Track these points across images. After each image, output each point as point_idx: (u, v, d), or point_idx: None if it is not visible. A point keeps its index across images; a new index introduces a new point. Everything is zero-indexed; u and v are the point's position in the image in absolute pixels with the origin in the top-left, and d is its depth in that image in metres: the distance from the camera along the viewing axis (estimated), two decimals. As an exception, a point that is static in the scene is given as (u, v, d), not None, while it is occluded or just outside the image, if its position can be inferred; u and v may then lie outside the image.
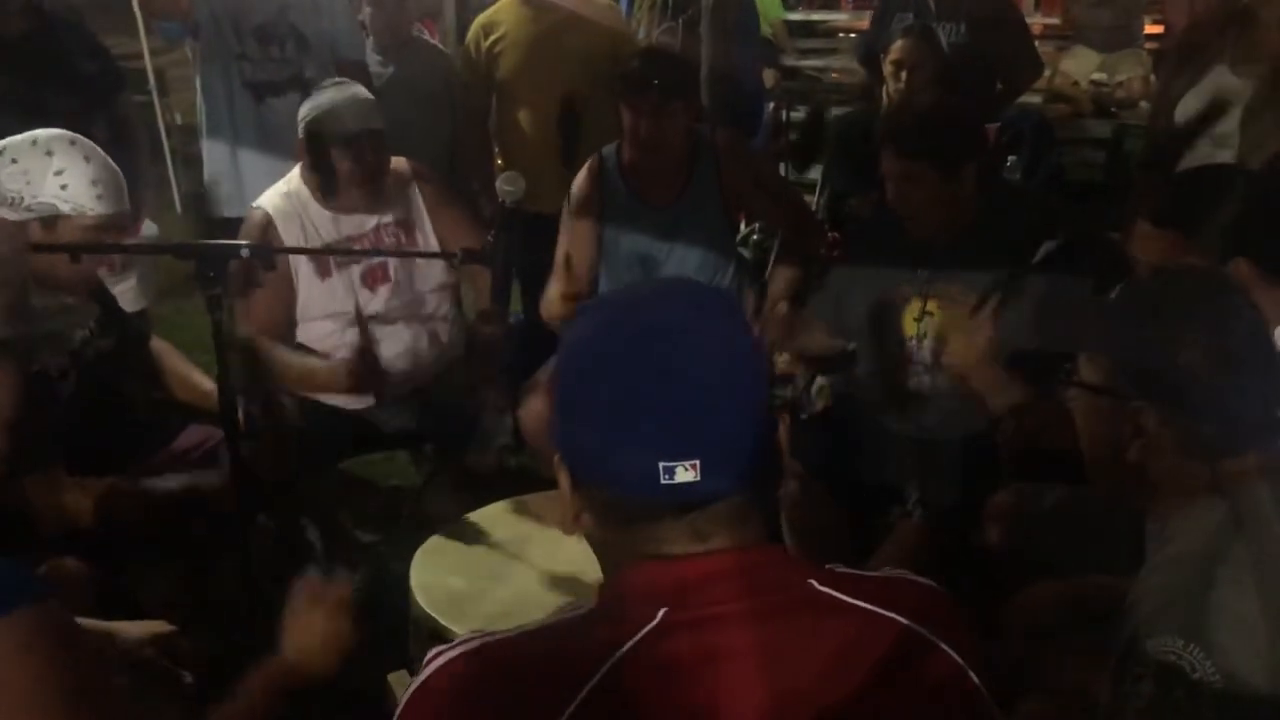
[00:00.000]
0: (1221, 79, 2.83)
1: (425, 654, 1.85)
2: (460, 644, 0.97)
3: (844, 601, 0.96)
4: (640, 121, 2.76)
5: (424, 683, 0.96)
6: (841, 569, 1.00)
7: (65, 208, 2.09)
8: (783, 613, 0.95)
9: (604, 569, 1.03)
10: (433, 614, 1.87)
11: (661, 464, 0.92)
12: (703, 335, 0.96)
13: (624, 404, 0.93)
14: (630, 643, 0.91)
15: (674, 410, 0.92)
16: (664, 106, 2.75)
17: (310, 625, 1.56)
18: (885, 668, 0.95)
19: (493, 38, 3.66)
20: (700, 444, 0.92)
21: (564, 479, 1.01)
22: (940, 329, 2.42)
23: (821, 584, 0.97)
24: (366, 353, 2.56)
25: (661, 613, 0.93)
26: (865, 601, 0.97)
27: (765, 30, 5.60)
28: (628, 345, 0.95)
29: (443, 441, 3.00)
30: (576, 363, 0.99)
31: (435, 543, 2.13)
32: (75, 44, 3.29)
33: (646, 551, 0.96)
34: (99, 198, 2.12)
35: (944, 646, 0.97)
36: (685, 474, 0.92)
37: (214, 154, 3.58)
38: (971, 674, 0.97)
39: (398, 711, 0.97)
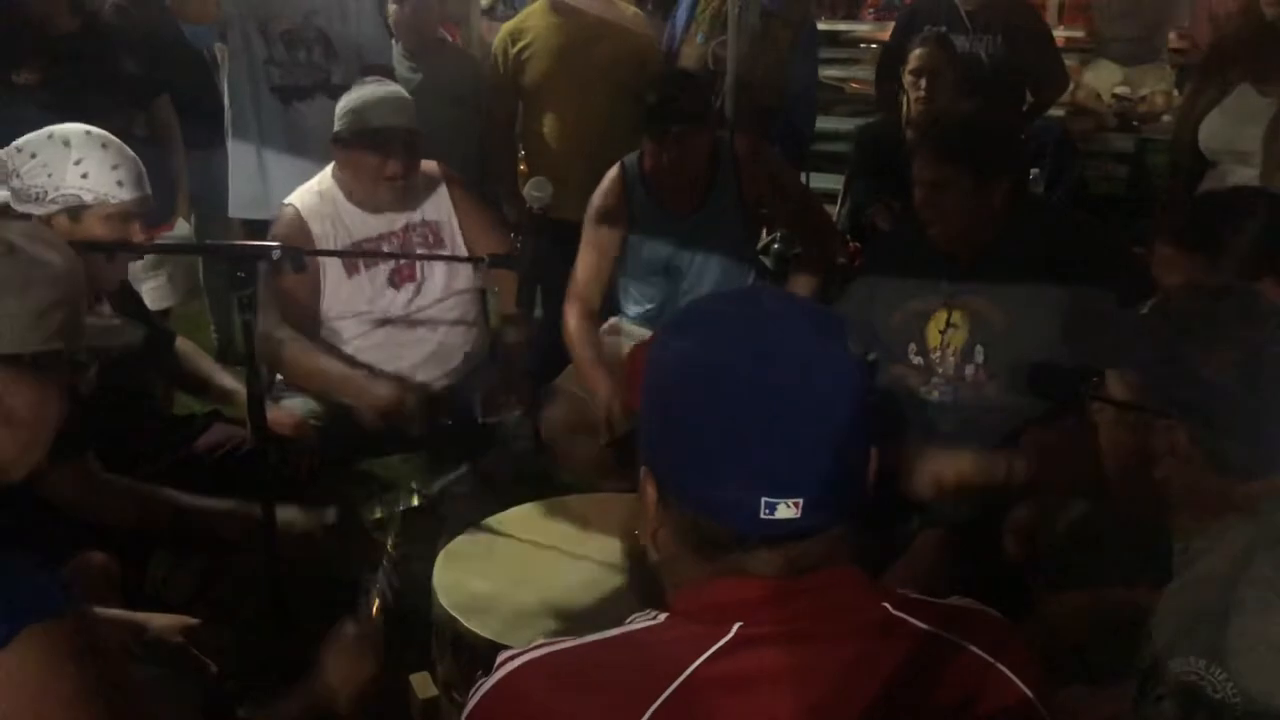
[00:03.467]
0: (1246, 97, 2.83)
1: (446, 655, 1.89)
2: (530, 650, 0.96)
3: (916, 626, 0.96)
4: (662, 150, 2.79)
5: (493, 687, 0.96)
6: (913, 595, 0.99)
7: (88, 197, 2.11)
8: (857, 634, 0.94)
9: (669, 583, 1.01)
10: (455, 615, 1.88)
11: (764, 500, 0.90)
12: (814, 365, 0.92)
13: (732, 434, 0.90)
14: (704, 656, 0.91)
15: (782, 446, 0.90)
16: (683, 140, 2.78)
17: (348, 667, 1.60)
18: (955, 693, 0.95)
19: (520, 44, 3.69)
20: (805, 482, 0.90)
21: (649, 491, 0.99)
22: (965, 341, 2.42)
23: (895, 608, 0.96)
24: (410, 406, 2.62)
25: (736, 627, 0.92)
26: (936, 627, 0.96)
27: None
28: (740, 369, 0.91)
29: (464, 443, 3.02)
30: (679, 383, 0.95)
31: (457, 545, 2.14)
32: (120, 44, 3.32)
33: (729, 572, 0.95)
34: (120, 183, 2.14)
35: (1012, 676, 0.97)
36: (786, 510, 0.90)
37: (239, 156, 3.61)
38: (1037, 702, 0.98)
39: (465, 713, 0.97)
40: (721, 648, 0.92)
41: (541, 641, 0.98)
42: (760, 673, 0.92)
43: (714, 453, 0.92)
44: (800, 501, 0.90)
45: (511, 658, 0.97)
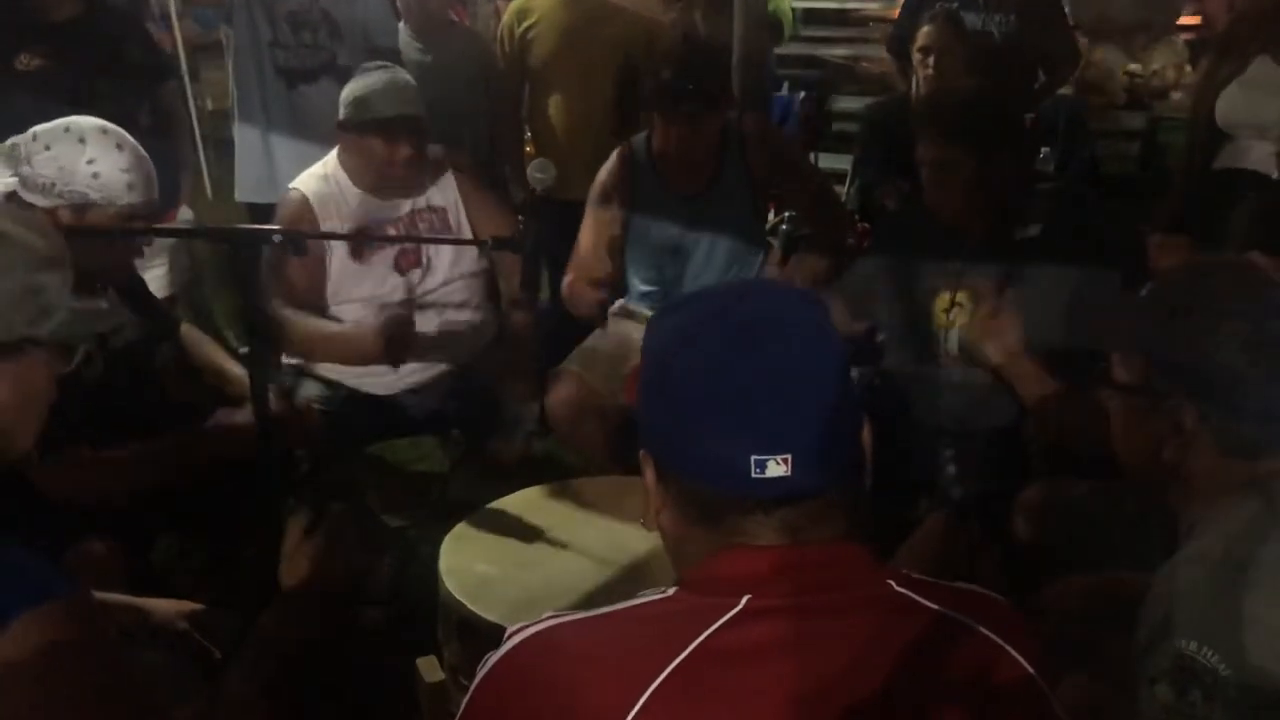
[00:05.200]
0: (1265, 69, 2.79)
1: (453, 639, 1.89)
2: (540, 622, 0.98)
3: (921, 604, 0.97)
4: (673, 131, 2.75)
5: (502, 658, 0.97)
6: (916, 575, 1.00)
7: (96, 196, 2.09)
8: (862, 608, 0.95)
9: (678, 565, 1.03)
10: (461, 599, 1.88)
11: (754, 457, 0.92)
12: (795, 331, 0.97)
13: (717, 396, 0.94)
14: (712, 628, 0.92)
15: (768, 404, 0.93)
16: (698, 119, 2.73)
17: (305, 553, 1.54)
18: (959, 670, 0.95)
19: (526, 24, 3.67)
20: (793, 439, 0.92)
21: (649, 471, 1.02)
22: (969, 321, 2.40)
23: (899, 585, 0.97)
24: (402, 318, 2.57)
25: (744, 599, 0.93)
26: (945, 608, 0.97)
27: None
28: (722, 338, 0.95)
29: (470, 427, 3.02)
30: (668, 355, 0.99)
31: (463, 528, 2.13)
32: (124, 31, 3.32)
33: (732, 544, 0.96)
34: (129, 187, 2.12)
35: (1016, 655, 0.97)
36: (777, 468, 0.92)
37: (245, 140, 3.60)
38: (1042, 683, 0.98)
39: (474, 683, 0.98)
40: (730, 620, 0.93)
41: (551, 614, 0.99)
42: (768, 645, 0.92)
43: (702, 416, 0.95)
44: (789, 458, 0.92)
45: (521, 629, 0.98)
